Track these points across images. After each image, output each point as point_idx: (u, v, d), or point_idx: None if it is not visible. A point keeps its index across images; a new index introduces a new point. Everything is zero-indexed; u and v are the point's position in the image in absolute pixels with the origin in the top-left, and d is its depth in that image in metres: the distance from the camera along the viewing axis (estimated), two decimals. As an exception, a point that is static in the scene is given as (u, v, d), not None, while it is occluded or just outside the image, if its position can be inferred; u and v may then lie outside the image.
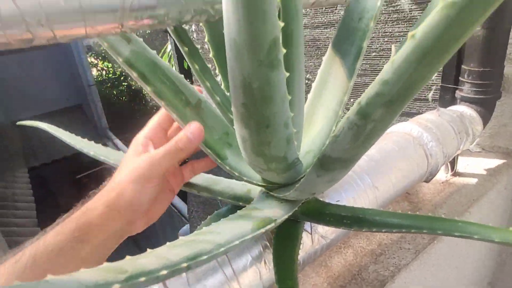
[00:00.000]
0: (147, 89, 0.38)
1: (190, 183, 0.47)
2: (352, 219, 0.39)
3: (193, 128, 0.37)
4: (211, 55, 0.41)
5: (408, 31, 1.20)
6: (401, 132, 0.66)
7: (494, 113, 0.87)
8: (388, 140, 0.63)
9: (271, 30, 0.22)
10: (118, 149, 6.16)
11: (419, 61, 0.19)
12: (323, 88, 0.42)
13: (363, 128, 0.25)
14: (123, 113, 7.00)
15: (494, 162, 0.87)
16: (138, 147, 0.40)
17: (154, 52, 0.39)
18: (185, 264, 0.24)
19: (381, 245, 0.64)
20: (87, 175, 5.81)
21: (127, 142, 6.05)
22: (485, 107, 0.80)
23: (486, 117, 0.80)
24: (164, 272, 0.23)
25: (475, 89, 0.79)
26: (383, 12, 1.23)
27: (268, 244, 0.43)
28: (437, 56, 0.19)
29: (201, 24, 0.38)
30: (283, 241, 0.41)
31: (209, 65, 0.41)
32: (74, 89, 6.07)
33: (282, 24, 0.29)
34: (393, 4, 1.14)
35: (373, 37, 1.26)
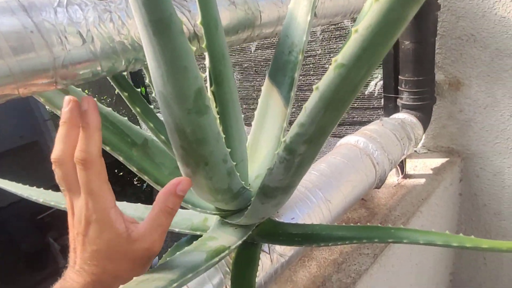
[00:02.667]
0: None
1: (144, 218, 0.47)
2: (302, 236, 0.41)
3: (183, 185, 0.32)
4: (153, 95, 0.43)
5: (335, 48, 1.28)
6: (348, 144, 0.70)
7: (433, 116, 0.95)
8: (337, 154, 0.67)
9: (194, 82, 0.25)
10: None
11: (325, 108, 0.22)
12: (264, 116, 0.44)
13: (292, 162, 0.27)
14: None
15: (438, 161, 0.94)
16: (117, 229, 0.30)
17: (94, 100, 0.40)
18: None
19: (342, 253, 0.67)
20: (49, 214, 5.51)
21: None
22: (423, 112, 0.87)
23: (425, 121, 0.87)
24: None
25: (412, 96, 0.86)
26: (326, 30, 1.30)
27: (228, 270, 0.45)
28: (337, 105, 0.22)
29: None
30: (241, 264, 0.42)
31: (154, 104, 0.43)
32: (29, 125, 5.78)
33: (209, 66, 0.32)
34: (334, 23, 1.21)
35: (320, 54, 1.33)
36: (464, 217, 1.02)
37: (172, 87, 0.25)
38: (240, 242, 0.40)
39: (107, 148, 0.39)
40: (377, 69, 1.33)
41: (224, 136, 0.33)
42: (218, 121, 0.36)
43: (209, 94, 0.35)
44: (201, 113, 0.27)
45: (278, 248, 0.49)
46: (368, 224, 0.73)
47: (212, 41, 0.32)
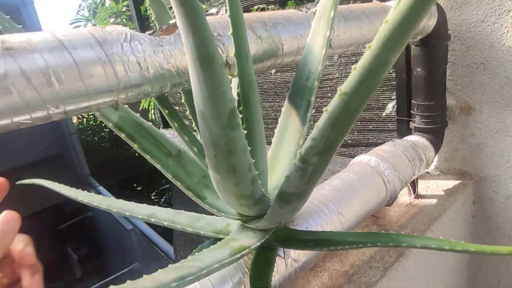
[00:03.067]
0: (134, 146, 0.46)
1: (175, 220, 0.53)
2: (314, 241, 0.46)
3: (7, 217, 0.30)
4: (187, 112, 0.49)
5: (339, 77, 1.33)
6: (361, 162, 0.75)
7: (446, 139, 0.98)
8: (349, 171, 0.72)
9: (228, 104, 0.31)
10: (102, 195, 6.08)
11: (332, 126, 0.28)
12: (283, 134, 0.50)
13: (305, 171, 0.33)
14: (105, 159, 6.96)
15: (451, 183, 0.96)
16: None
17: (138, 115, 0.47)
18: (174, 284, 0.31)
19: (353, 266, 0.71)
20: (69, 225, 5.66)
21: (110, 188, 5.99)
22: (435, 135, 0.91)
23: (437, 144, 0.91)
24: (156, 291, 0.29)
25: (424, 120, 0.91)
26: (343, 55, 1.37)
27: (247, 270, 0.49)
28: (341, 124, 0.27)
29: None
30: (258, 266, 0.47)
31: (187, 121, 0.50)
32: (55, 138, 6.05)
33: (238, 91, 0.38)
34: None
35: (337, 77, 1.40)
36: (478, 239, 1.03)
37: (211, 108, 0.31)
38: (258, 243, 0.45)
39: (148, 157, 0.46)
40: (392, 92, 1.37)
41: (249, 149, 0.39)
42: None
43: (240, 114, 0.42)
44: (233, 129, 0.33)
45: (293, 253, 0.54)
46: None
47: (242, 70, 0.38)
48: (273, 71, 1.84)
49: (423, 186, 0.97)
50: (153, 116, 3.48)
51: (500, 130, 0.88)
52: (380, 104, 1.27)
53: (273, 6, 2.10)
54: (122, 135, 0.45)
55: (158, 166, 0.47)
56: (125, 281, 0.43)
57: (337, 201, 0.63)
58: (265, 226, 0.46)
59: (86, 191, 0.59)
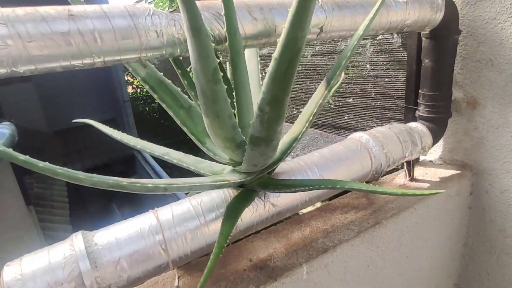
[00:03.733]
0: (154, 96, 0.61)
1: (183, 160, 0.68)
2: (284, 186, 0.58)
3: None
4: (199, 75, 0.63)
5: (389, 61, 1.39)
6: (353, 138, 0.84)
7: (451, 131, 1.03)
8: (340, 144, 0.82)
9: (212, 63, 0.44)
10: (146, 161, 6.60)
11: (272, 83, 0.39)
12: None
13: (263, 117, 0.45)
14: (153, 128, 7.47)
15: (449, 173, 1.02)
16: None
17: (161, 73, 0.62)
18: (163, 186, 0.45)
19: (333, 226, 0.82)
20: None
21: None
22: (436, 124, 0.97)
23: (437, 133, 0.97)
24: (150, 185, 0.44)
25: (428, 109, 0.97)
26: (372, 44, 1.42)
27: (231, 204, 0.63)
28: (278, 81, 0.39)
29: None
30: (238, 200, 0.61)
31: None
32: (110, 104, 6.58)
33: (229, 58, 0.51)
34: (377, 39, 1.33)
35: (362, 65, 1.45)
36: (473, 230, 1.08)
37: (199, 66, 0.44)
38: (238, 180, 0.59)
39: (164, 105, 0.61)
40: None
41: (236, 105, 0.52)
42: (233, 93, 0.55)
43: (229, 75, 0.54)
44: (216, 83, 0.46)
45: (272, 199, 0.66)
46: (365, 210, 0.87)
47: (232, 42, 0.50)
48: (309, 55, 1.92)
49: (422, 172, 1.04)
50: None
51: (501, 125, 0.92)
52: (400, 94, 1.32)
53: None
54: (147, 87, 0.59)
55: (171, 113, 0.61)
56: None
57: (321, 165, 0.74)
58: (246, 168, 0.59)
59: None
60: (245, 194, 0.63)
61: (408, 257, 0.94)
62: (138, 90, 8.88)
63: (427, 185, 0.97)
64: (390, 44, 1.30)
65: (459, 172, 1.02)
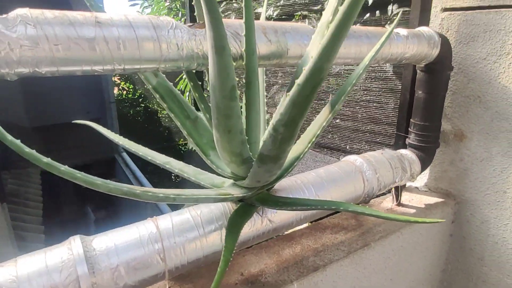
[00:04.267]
0: (163, 106, 0.62)
1: (183, 170, 0.68)
2: (283, 203, 0.60)
3: None
4: (208, 88, 0.64)
5: (382, 88, 1.44)
6: (348, 161, 0.87)
7: (437, 160, 1.08)
8: (335, 165, 0.84)
9: (231, 81, 0.45)
10: (126, 164, 6.48)
11: (292, 106, 0.41)
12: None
13: (276, 137, 0.47)
14: (136, 132, 7.37)
15: (433, 200, 1.06)
16: None
17: (171, 84, 0.63)
18: (172, 196, 0.46)
19: (323, 245, 0.83)
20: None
21: (135, 158, 6.35)
22: (425, 152, 1.01)
23: (425, 161, 1.01)
24: (161, 195, 0.44)
25: (418, 138, 1.01)
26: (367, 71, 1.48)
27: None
28: (298, 105, 0.41)
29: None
30: (237, 214, 0.61)
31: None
32: (96, 104, 6.47)
33: (245, 76, 0.53)
34: (372, 66, 1.39)
35: (356, 90, 1.51)
36: (452, 257, 1.12)
37: (218, 82, 0.46)
38: (240, 195, 0.60)
39: (172, 115, 0.62)
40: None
41: (245, 122, 0.54)
42: (244, 109, 0.57)
43: (243, 93, 0.56)
44: (232, 100, 0.47)
45: (270, 215, 0.68)
46: (354, 231, 0.89)
47: (249, 61, 0.52)
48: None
49: (408, 198, 1.07)
50: (186, 97, 3.72)
51: (485, 159, 0.97)
52: (390, 120, 1.37)
53: (314, 14, 2.23)
54: (157, 95, 0.60)
55: (178, 124, 0.62)
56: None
57: (317, 185, 0.76)
58: (248, 184, 0.60)
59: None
60: (245, 208, 0.64)
61: (392, 280, 0.96)
62: (124, 92, 8.78)
63: (413, 211, 1.00)
64: (383, 72, 1.36)
65: (443, 200, 1.06)
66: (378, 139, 1.46)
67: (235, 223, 0.59)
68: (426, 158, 1.01)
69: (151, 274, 0.56)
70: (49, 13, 0.42)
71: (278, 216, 0.69)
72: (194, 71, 0.59)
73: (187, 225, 0.60)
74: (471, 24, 0.93)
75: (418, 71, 0.98)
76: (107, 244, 0.54)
